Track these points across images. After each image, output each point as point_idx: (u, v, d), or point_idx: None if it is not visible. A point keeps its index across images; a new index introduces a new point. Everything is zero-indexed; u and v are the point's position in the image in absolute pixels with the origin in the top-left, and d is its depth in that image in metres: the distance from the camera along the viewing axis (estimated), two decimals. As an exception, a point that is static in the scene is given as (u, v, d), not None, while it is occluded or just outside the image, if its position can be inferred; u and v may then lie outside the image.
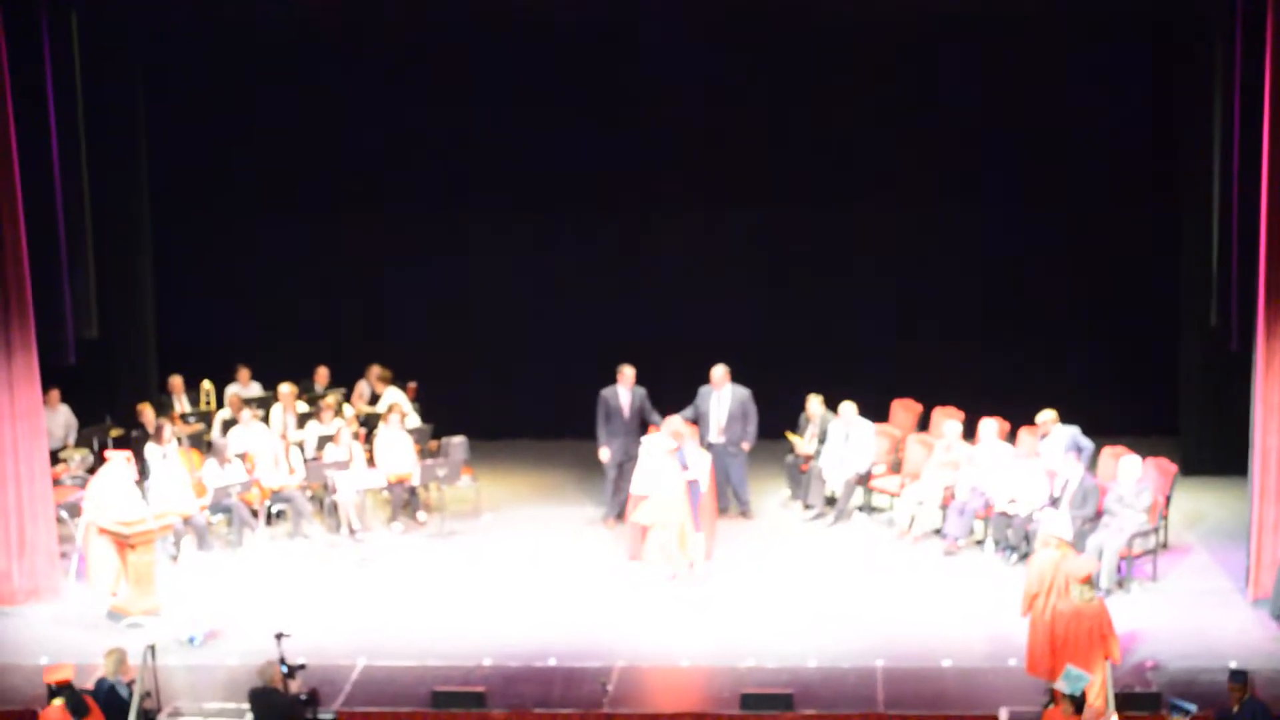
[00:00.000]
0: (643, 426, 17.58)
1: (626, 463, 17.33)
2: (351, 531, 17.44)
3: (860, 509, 17.98)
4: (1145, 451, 16.63)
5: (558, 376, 19.95)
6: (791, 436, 18.31)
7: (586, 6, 18.59)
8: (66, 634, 15.03)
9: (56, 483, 16.87)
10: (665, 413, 17.31)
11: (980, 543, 16.81)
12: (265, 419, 18.60)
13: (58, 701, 12.39)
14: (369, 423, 18.83)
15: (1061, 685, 12.12)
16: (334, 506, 17.54)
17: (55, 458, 17.43)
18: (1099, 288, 19.75)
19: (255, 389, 19.54)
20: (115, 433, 18.71)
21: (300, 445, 18.34)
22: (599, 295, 20.14)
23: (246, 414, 18.23)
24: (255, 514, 17.38)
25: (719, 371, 17.82)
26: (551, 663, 14.34)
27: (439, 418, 19.16)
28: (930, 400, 18.50)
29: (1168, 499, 16.49)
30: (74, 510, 16.54)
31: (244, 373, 19.60)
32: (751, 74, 19.59)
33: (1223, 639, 14.55)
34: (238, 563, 16.83)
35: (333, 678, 13.94)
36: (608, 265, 20.15)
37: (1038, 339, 19.71)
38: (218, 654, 14.57)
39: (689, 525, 16.16)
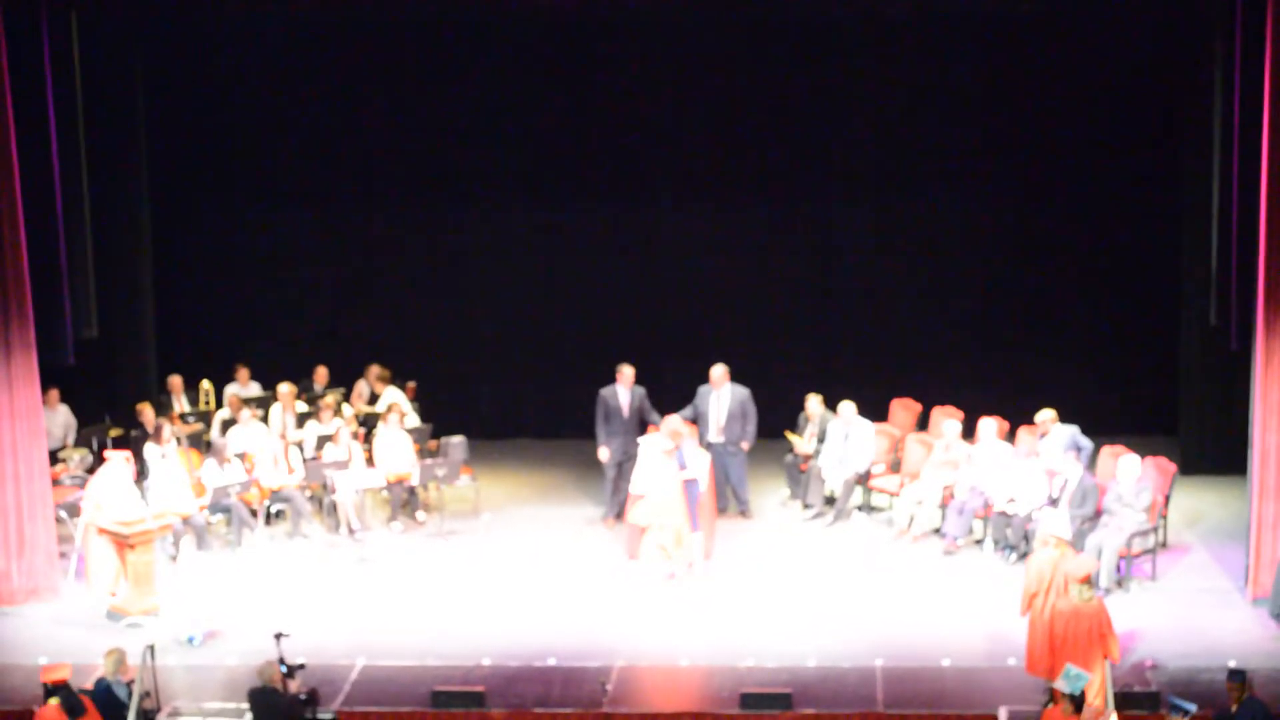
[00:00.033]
0: (642, 426, 17.58)
1: (626, 462, 17.32)
2: (351, 531, 17.44)
3: (859, 508, 17.98)
4: (1144, 451, 16.64)
5: (557, 376, 19.96)
6: (791, 436, 18.31)
7: (588, 4, 18.59)
8: (66, 634, 15.03)
9: (56, 482, 16.86)
10: (664, 412, 17.30)
11: (979, 542, 16.81)
12: (264, 419, 18.60)
13: (53, 701, 12.40)
14: (368, 422, 18.83)
15: (1061, 684, 12.11)
16: (333, 506, 17.54)
17: (54, 457, 17.42)
18: (1098, 287, 19.76)
19: (254, 389, 19.54)
20: (114, 432, 18.70)
21: (299, 445, 18.34)
22: (598, 295, 20.14)
23: (246, 414, 18.23)
24: (254, 514, 17.38)
25: (718, 371, 17.82)
26: (551, 662, 14.34)
27: (438, 417, 19.16)
28: (929, 400, 18.51)
29: (1167, 498, 16.50)
30: (73, 510, 16.55)
31: (243, 372, 19.60)
32: (753, 73, 19.60)
33: (1222, 638, 14.56)
34: (237, 563, 16.83)
35: (332, 677, 13.93)
36: (607, 264, 20.14)
37: (1037, 339, 19.71)
38: (217, 654, 14.57)
39: (685, 526, 16.15)
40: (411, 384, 19.83)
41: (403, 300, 20.36)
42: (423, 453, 18.42)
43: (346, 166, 20.12)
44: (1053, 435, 16.80)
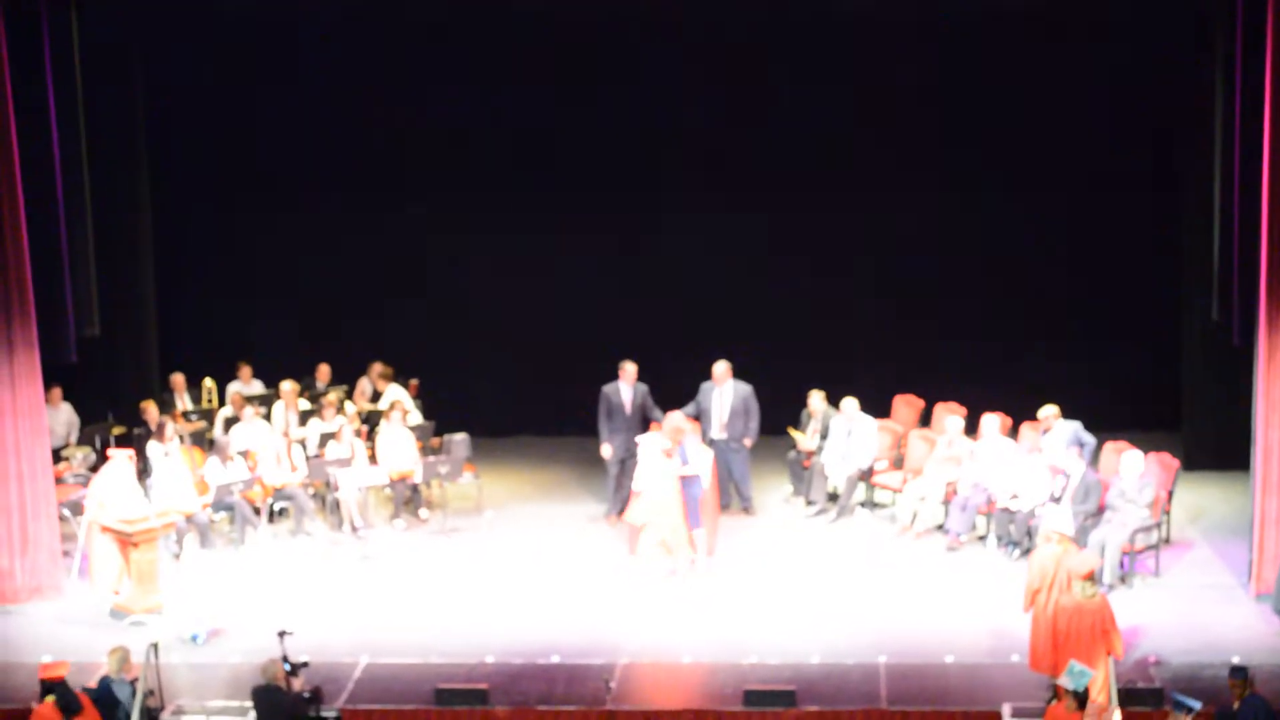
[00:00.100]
0: (645, 423, 17.58)
1: (628, 459, 17.32)
2: (354, 529, 17.45)
3: (862, 505, 17.99)
4: (1147, 447, 16.62)
5: (560, 373, 19.94)
6: (794, 432, 18.31)
7: (589, 4, 18.58)
8: (69, 632, 15.04)
9: (59, 481, 16.88)
10: (667, 409, 17.30)
11: (982, 538, 16.83)
12: (267, 416, 18.60)
13: (49, 699, 12.41)
14: (371, 420, 18.83)
15: (1064, 681, 12.11)
16: (336, 504, 17.56)
17: (57, 456, 17.44)
18: (1100, 283, 19.75)
19: (257, 386, 19.55)
20: (117, 430, 18.72)
21: (302, 443, 18.35)
22: (600, 291, 20.13)
23: (249, 411, 18.23)
24: (257, 512, 17.38)
25: (721, 367, 17.83)
26: (554, 660, 14.34)
27: (441, 415, 19.16)
28: (932, 396, 18.52)
29: (1170, 494, 16.51)
30: (76, 508, 16.57)
31: (246, 370, 19.60)
32: (753, 73, 19.58)
33: (1225, 634, 14.55)
34: (240, 561, 16.84)
35: (335, 675, 13.94)
36: (609, 261, 20.14)
37: (1040, 335, 19.70)
38: (220, 652, 14.58)
39: (682, 526, 16.13)
40: (414, 381, 19.82)
41: (405, 297, 20.34)
42: (425, 450, 18.42)
43: (348, 165, 20.11)
44: (1055, 431, 16.80)
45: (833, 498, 17.94)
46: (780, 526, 17.71)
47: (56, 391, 18.08)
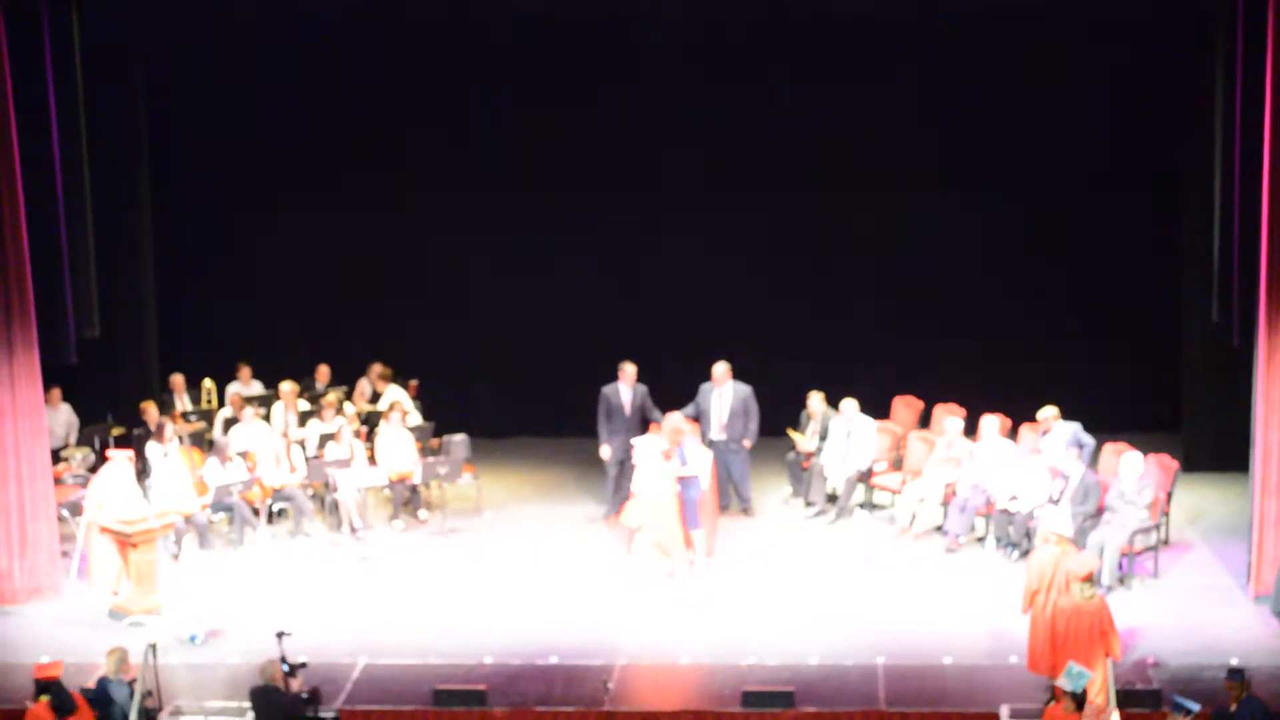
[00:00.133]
0: (644, 424, 17.58)
1: (628, 460, 17.29)
2: (353, 530, 17.45)
3: (861, 506, 17.99)
4: (1147, 448, 16.62)
5: (559, 374, 19.95)
6: (793, 433, 18.31)
7: (589, 4, 18.58)
8: (68, 633, 15.04)
9: (58, 481, 16.88)
10: (666, 410, 17.31)
11: (981, 540, 16.82)
12: (267, 417, 18.61)
13: (43, 699, 12.41)
14: (370, 421, 18.83)
15: (1063, 682, 12.11)
16: (335, 505, 17.56)
17: (57, 456, 17.44)
18: (1100, 284, 19.74)
19: (256, 387, 19.55)
20: (117, 431, 18.73)
21: (301, 443, 18.35)
22: (600, 292, 20.12)
23: (248, 412, 18.24)
24: (256, 512, 17.38)
25: (720, 368, 17.83)
26: (553, 660, 14.34)
27: (440, 415, 19.17)
28: (932, 397, 18.52)
29: (1169, 495, 16.50)
30: (75, 509, 16.57)
31: (245, 371, 19.61)
32: (753, 72, 19.58)
33: (1224, 636, 14.55)
34: (239, 561, 16.84)
35: (334, 676, 13.94)
36: (609, 262, 20.13)
37: (1039, 335, 19.70)
38: (219, 652, 14.58)
39: (678, 528, 16.11)
40: (413, 382, 19.83)
41: (404, 298, 20.34)
42: (425, 451, 18.42)
43: (348, 165, 20.11)
44: (1055, 432, 16.80)
45: (832, 499, 17.94)
46: (779, 527, 17.71)
47: (56, 392, 18.09)
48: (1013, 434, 17.31)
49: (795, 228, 19.91)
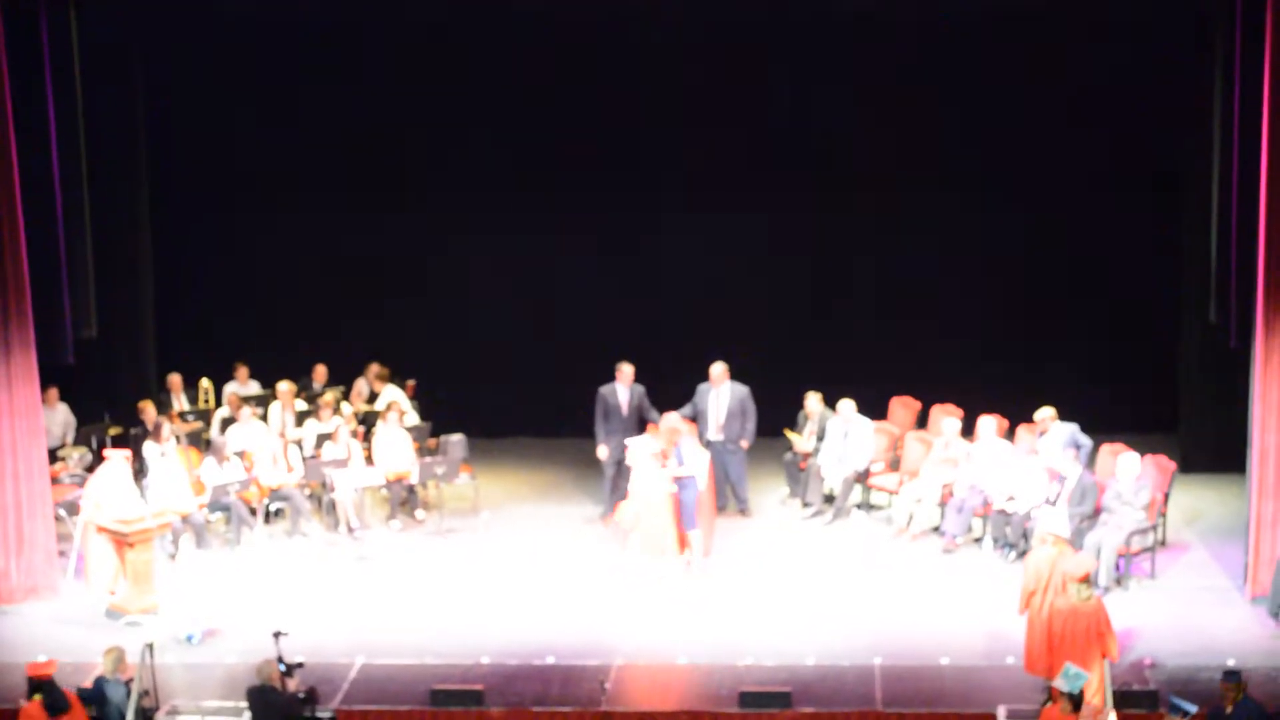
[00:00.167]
0: (641, 424, 17.56)
1: (625, 460, 17.28)
2: (350, 529, 17.45)
3: (859, 507, 17.98)
4: (1144, 449, 16.63)
5: (556, 374, 19.93)
6: (790, 434, 18.31)
7: (589, 4, 18.58)
8: (65, 632, 15.04)
9: (55, 481, 16.88)
10: (664, 410, 17.30)
11: (979, 540, 16.81)
12: (264, 417, 18.60)
13: (36, 697, 12.41)
14: (367, 421, 18.83)
15: (1060, 683, 12.11)
16: (332, 504, 17.55)
17: (54, 456, 17.43)
18: (1098, 285, 19.73)
19: (254, 387, 19.55)
20: (114, 431, 18.73)
21: (299, 443, 18.35)
22: (598, 292, 20.12)
23: (245, 412, 18.24)
24: (254, 512, 17.38)
25: (718, 369, 17.82)
26: (550, 661, 14.34)
27: (437, 415, 19.17)
28: (929, 398, 18.51)
29: (1166, 496, 16.50)
30: (72, 508, 16.57)
31: (242, 371, 19.61)
32: (752, 73, 19.57)
33: (1220, 636, 14.56)
34: (236, 561, 16.84)
35: (331, 676, 13.94)
36: (606, 262, 20.12)
37: (1037, 336, 19.70)
38: (216, 652, 14.58)
39: (671, 529, 16.09)
40: (411, 382, 19.84)
41: (402, 298, 20.33)
42: (422, 451, 18.42)
43: (346, 165, 20.10)
44: (1052, 433, 16.79)
45: (829, 499, 17.94)
46: (776, 528, 17.70)
47: (53, 392, 18.10)
48: (1010, 434, 17.31)
49: (794, 228, 19.90)
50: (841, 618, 15.20)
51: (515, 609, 15.54)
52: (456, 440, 18.34)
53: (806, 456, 18.05)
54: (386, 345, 19.91)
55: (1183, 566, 16.29)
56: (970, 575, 16.13)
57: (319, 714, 13.10)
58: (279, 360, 19.59)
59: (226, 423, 18.67)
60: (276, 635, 13.17)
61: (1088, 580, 13.09)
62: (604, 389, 17.85)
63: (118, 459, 15.72)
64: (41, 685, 12.47)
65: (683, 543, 16.34)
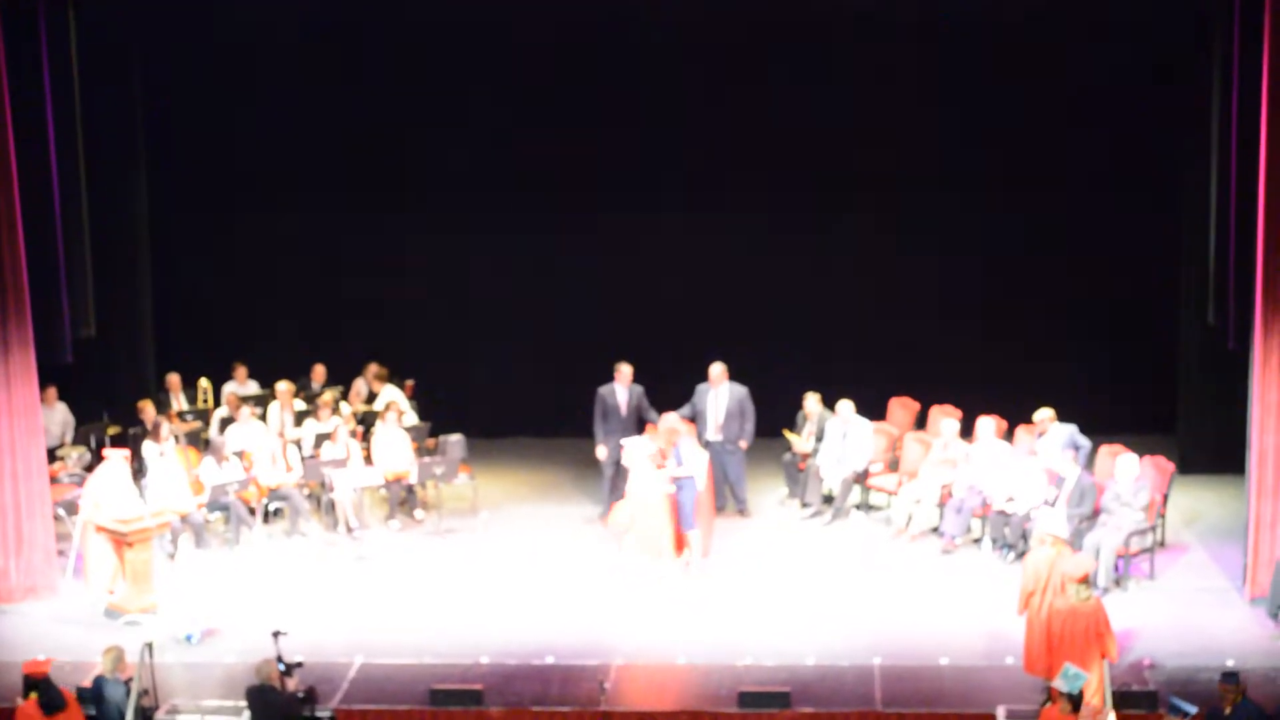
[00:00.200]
0: (640, 424, 17.56)
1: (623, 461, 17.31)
2: (349, 529, 17.44)
3: (858, 507, 17.98)
4: (1143, 450, 16.64)
5: (555, 374, 19.94)
6: (789, 435, 18.31)
7: (589, 4, 18.57)
8: (64, 632, 15.04)
9: (54, 480, 16.87)
10: (663, 410, 17.30)
11: (978, 541, 16.81)
12: (263, 417, 18.59)
13: (32, 695, 12.40)
14: (366, 420, 18.83)
15: (1059, 684, 12.11)
16: (331, 504, 17.54)
17: (52, 455, 17.42)
18: (1097, 286, 19.72)
19: (253, 387, 19.55)
20: (113, 430, 18.73)
21: (298, 443, 18.35)
22: (597, 293, 20.12)
23: (244, 412, 18.23)
24: (253, 512, 17.38)
25: (717, 369, 17.82)
26: (549, 660, 14.34)
27: (436, 415, 19.17)
28: (928, 398, 18.50)
29: (1165, 497, 16.50)
30: (71, 508, 16.56)
31: (241, 371, 19.61)
32: (752, 72, 19.57)
33: (1220, 637, 14.56)
34: (235, 561, 16.83)
35: (330, 675, 13.94)
36: (605, 263, 20.11)
37: (1036, 337, 19.68)
38: (215, 652, 14.58)
39: (666, 530, 16.08)
40: (410, 382, 19.83)
41: (401, 299, 20.32)
42: (421, 451, 18.42)
43: (345, 165, 20.10)
44: (1051, 434, 16.79)
45: (828, 500, 17.94)
46: (775, 528, 17.70)
47: (51, 391, 18.10)
48: (1009, 435, 17.30)
49: (793, 226, 19.90)
50: (841, 618, 15.19)
51: (514, 609, 15.53)
52: (455, 440, 18.34)
53: (805, 457, 18.05)
54: (385, 345, 19.91)
55: (1182, 567, 16.29)
56: (969, 576, 16.13)
57: (318, 713, 13.11)
58: (278, 360, 19.59)
59: (225, 422, 18.67)
60: (276, 635, 13.17)
61: (1087, 581, 13.09)
62: (603, 389, 17.85)
63: (116, 458, 15.71)
64: (37, 684, 12.46)
65: (681, 543, 16.34)
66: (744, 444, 17.84)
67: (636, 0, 18.80)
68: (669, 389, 17.95)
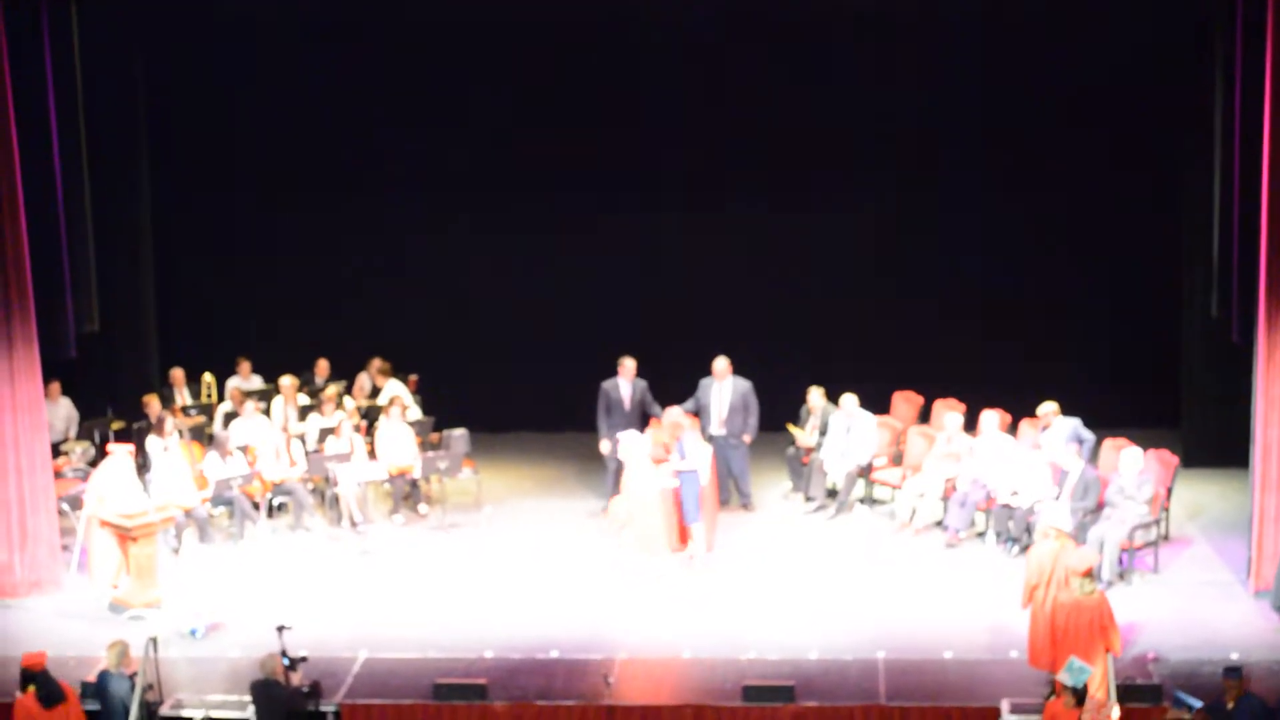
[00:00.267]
0: (644, 418, 17.58)
1: (626, 455, 17.33)
2: (353, 524, 17.45)
3: (861, 501, 17.99)
4: (1146, 443, 16.61)
5: (559, 369, 19.92)
6: (793, 429, 18.32)
7: (589, 4, 18.58)
8: (68, 627, 15.04)
9: (58, 475, 16.89)
10: (666, 404, 17.30)
11: (981, 535, 16.83)
12: (266, 412, 18.61)
13: (30, 688, 12.41)
14: (370, 415, 18.84)
15: (1063, 677, 12.11)
16: (335, 499, 17.56)
17: (56, 450, 17.45)
18: (1100, 280, 19.73)
19: (256, 382, 19.56)
20: (116, 425, 18.74)
21: (301, 438, 18.35)
22: (600, 287, 20.12)
23: (248, 406, 18.24)
24: (256, 506, 17.38)
25: (721, 363, 17.83)
26: (553, 655, 14.35)
27: (440, 410, 19.17)
28: (931, 392, 18.52)
29: (1169, 491, 16.51)
30: (75, 503, 16.59)
31: (245, 365, 19.62)
32: (753, 70, 19.57)
33: (1224, 631, 14.56)
34: (239, 555, 16.85)
35: (334, 670, 13.94)
36: (609, 257, 20.11)
37: (1039, 331, 19.69)
38: (219, 646, 14.58)
39: (663, 526, 16.08)
40: (413, 377, 19.84)
41: (405, 293, 20.34)
42: (425, 445, 18.40)
43: (347, 161, 20.10)
44: (1055, 428, 16.80)
45: (832, 494, 17.94)
46: (779, 522, 17.71)
47: (55, 386, 18.09)
48: (1013, 429, 17.32)
49: (797, 222, 19.90)
50: (844, 612, 15.20)
51: (518, 603, 15.54)
52: (459, 435, 18.35)
53: (809, 451, 18.06)
54: (389, 340, 19.91)
55: (1186, 561, 16.30)
56: (973, 570, 16.13)
57: (322, 708, 13.13)
58: (281, 355, 19.58)
59: (229, 417, 18.68)
60: (280, 629, 13.17)
61: (1091, 575, 13.09)
62: (606, 384, 17.86)
63: (121, 453, 15.73)
64: (35, 676, 12.48)
65: (684, 537, 16.35)
66: (748, 438, 17.85)
67: (636, 0, 18.80)
68: (672, 383, 17.95)
